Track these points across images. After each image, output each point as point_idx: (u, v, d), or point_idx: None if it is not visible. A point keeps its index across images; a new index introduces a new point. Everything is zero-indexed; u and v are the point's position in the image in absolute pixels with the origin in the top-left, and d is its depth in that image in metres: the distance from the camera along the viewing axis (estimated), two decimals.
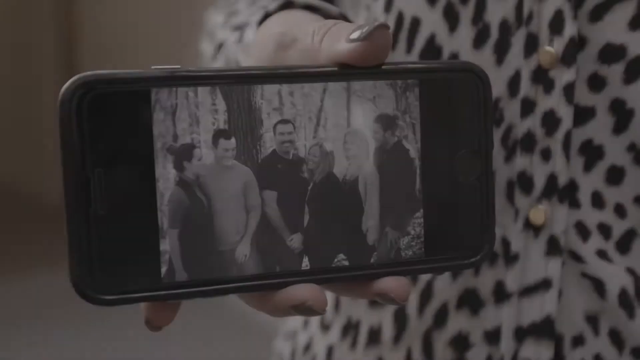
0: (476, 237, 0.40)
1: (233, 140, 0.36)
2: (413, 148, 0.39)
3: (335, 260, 0.38)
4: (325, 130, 0.38)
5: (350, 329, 0.57)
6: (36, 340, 2.71)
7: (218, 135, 0.36)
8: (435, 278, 0.52)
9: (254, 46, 0.43)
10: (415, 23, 0.50)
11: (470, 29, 0.49)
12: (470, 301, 0.51)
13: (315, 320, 0.60)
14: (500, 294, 0.50)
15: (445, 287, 0.52)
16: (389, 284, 0.38)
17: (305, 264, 0.38)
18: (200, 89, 0.36)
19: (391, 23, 0.51)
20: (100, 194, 0.35)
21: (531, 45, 0.48)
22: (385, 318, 0.54)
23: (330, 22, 0.39)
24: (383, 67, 0.38)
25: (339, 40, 0.38)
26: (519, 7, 0.48)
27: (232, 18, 0.59)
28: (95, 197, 0.35)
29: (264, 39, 0.42)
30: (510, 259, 0.50)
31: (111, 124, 0.35)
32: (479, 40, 0.49)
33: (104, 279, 0.35)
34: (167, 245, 0.36)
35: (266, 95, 0.37)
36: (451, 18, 0.49)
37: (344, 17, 0.47)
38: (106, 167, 0.35)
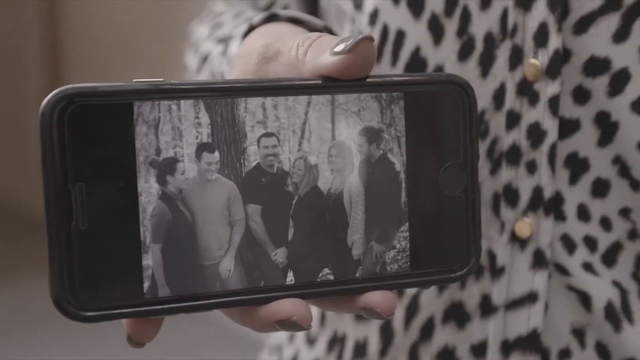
0: (462, 250, 0.39)
1: (216, 153, 0.36)
2: (398, 161, 0.38)
3: (321, 274, 0.38)
4: (310, 144, 0.37)
5: (336, 342, 0.56)
6: (18, 353, 2.69)
7: (201, 148, 0.36)
8: (421, 292, 0.51)
9: (238, 59, 0.43)
10: (400, 36, 0.50)
11: (455, 41, 0.49)
12: (456, 315, 0.51)
13: (300, 334, 0.60)
14: (487, 307, 0.50)
15: (432, 301, 0.51)
16: (375, 298, 0.38)
17: (290, 278, 0.37)
18: (183, 102, 0.36)
19: (376, 36, 0.51)
20: (81, 209, 0.34)
21: (516, 57, 0.48)
22: (371, 332, 0.54)
23: (315, 34, 0.39)
24: (368, 79, 0.38)
25: (322, 53, 0.37)
26: (503, 19, 0.48)
27: (217, 30, 0.59)
28: (77, 212, 0.34)
29: (248, 51, 0.42)
30: (496, 272, 0.49)
31: (93, 137, 0.35)
32: (464, 53, 0.48)
33: (85, 295, 0.35)
34: (150, 260, 0.35)
35: (250, 108, 0.36)
36: (436, 30, 0.49)
37: (329, 30, 0.47)
38: (88, 181, 0.34)
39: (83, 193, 0.34)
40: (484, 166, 0.49)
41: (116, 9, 3.75)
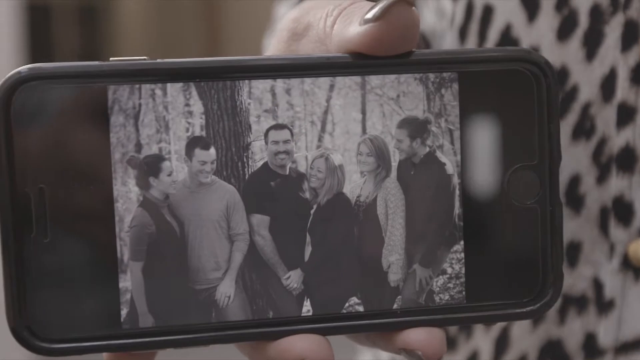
0: (536, 278, 0.31)
1: (212, 150, 0.30)
2: (451, 162, 0.30)
3: (347, 305, 0.30)
4: (333, 139, 0.30)
5: None
6: None
7: (193, 144, 0.30)
8: (512, 324, 0.43)
9: (273, 38, 0.36)
10: (488, 12, 0.42)
11: (553, 16, 0.41)
12: (553, 356, 0.42)
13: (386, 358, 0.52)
14: (591, 349, 0.41)
15: (524, 336, 0.43)
16: (418, 337, 0.30)
17: (307, 309, 0.30)
18: (170, 86, 0.29)
19: (460, 13, 0.43)
20: (42, 217, 0.29)
21: (630, 35, 0.40)
22: None
23: (349, 1, 0.31)
24: (410, 56, 0.30)
25: (352, 23, 0.30)
26: None
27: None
28: (37, 221, 0.28)
29: (281, 27, 0.35)
30: (604, 306, 0.41)
31: (58, 129, 0.29)
32: (565, 31, 0.40)
33: (49, 323, 0.29)
34: (128, 282, 0.29)
35: (255, 94, 0.30)
36: (530, 4, 0.41)
37: None
38: (51, 183, 0.29)
39: (45, 198, 0.28)
40: (588, 173, 0.40)
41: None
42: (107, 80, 0.29)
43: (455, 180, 0.31)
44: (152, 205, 0.29)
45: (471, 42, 0.44)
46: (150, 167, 0.29)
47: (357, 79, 0.30)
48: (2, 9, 1.59)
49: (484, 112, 0.31)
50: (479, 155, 0.31)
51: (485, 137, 0.31)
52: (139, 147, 0.29)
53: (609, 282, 0.41)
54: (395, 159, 0.30)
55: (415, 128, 0.30)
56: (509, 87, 0.31)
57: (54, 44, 2.97)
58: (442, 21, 0.44)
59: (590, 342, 0.41)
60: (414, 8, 0.29)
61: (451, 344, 0.45)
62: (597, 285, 0.41)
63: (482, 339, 0.44)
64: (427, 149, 0.31)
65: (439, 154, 0.31)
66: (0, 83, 0.29)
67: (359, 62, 0.30)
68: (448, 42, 0.43)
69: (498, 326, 0.44)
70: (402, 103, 0.30)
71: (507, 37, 0.42)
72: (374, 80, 0.30)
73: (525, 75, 0.31)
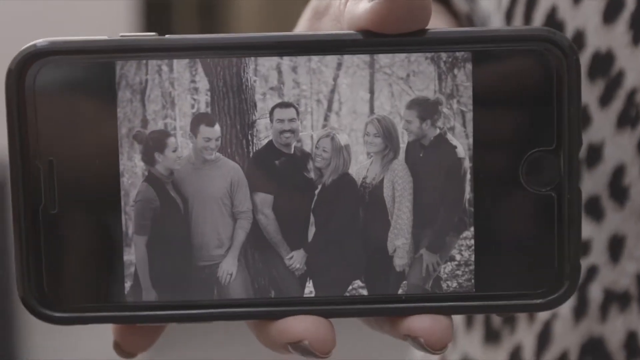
0: (550, 269, 0.29)
1: (217, 127, 0.29)
2: (462, 144, 0.29)
3: (350, 287, 0.30)
4: (340, 118, 0.29)
5: None
6: None
7: (198, 120, 0.29)
8: (555, 317, 0.41)
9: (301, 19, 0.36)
10: None
11: None
12: (595, 354, 0.40)
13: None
14: (633, 349, 0.39)
15: (567, 331, 0.41)
16: (423, 324, 0.29)
17: (309, 290, 0.30)
18: (176, 62, 0.29)
19: None
20: (51, 189, 0.29)
21: None
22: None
23: None
24: (421, 35, 0.29)
25: (362, 0, 0.29)
26: None
27: None
28: (46, 192, 0.29)
29: (308, 6, 0.35)
30: None
31: (66, 103, 0.29)
32: (611, 13, 0.38)
33: (55, 292, 0.29)
34: (133, 255, 0.29)
35: (261, 71, 0.29)
36: None
37: None
38: (59, 155, 0.29)
39: (53, 170, 0.29)
40: (633, 164, 0.38)
41: None
42: (115, 56, 0.29)
43: (467, 164, 0.29)
44: (157, 181, 0.29)
45: (518, 25, 0.42)
46: (155, 143, 0.29)
47: (366, 57, 0.29)
48: (120, 5, 1.63)
49: (499, 93, 0.29)
50: (493, 139, 0.29)
51: (499, 120, 0.29)
52: (145, 122, 0.29)
53: None
54: (403, 140, 0.29)
55: (426, 109, 0.29)
56: (526, 68, 0.29)
57: None
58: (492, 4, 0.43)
59: (632, 342, 0.39)
60: None
61: (495, 337, 0.44)
62: None
63: (525, 333, 0.42)
64: (438, 131, 0.29)
65: (449, 136, 0.29)
66: (15, 56, 0.29)
67: (367, 40, 0.29)
68: (495, 25, 0.42)
69: (540, 321, 0.42)
70: (412, 83, 0.29)
71: (553, 20, 0.40)
72: (383, 59, 0.29)
73: (544, 56, 0.29)
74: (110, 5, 1.60)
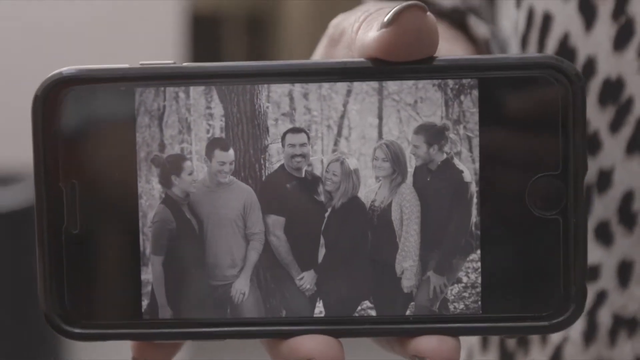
0: (556, 293, 0.30)
1: (231, 151, 0.30)
2: (468, 169, 0.30)
3: (359, 308, 0.30)
4: (349, 143, 0.30)
5: None
6: None
7: (213, 145, 0.30)
8: (566, 341, 0.41)
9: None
10: (547, 20, 0.40)
11: (611, 25, 0.38)
12: None
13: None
14: None
15: (577, 355, 0.41)
16: (429, 345, 0.29)
17: (319, 310, 0.30)
18: (192, 89, 0.30)
19: (522, 21, 0.41)
20: (73, 210, 0.30)
21: None
22: None
23: (378, 6, 0.31)
24: (428, 62, 0.30)
25: (371, 29, 0.30)
26: None
27: None
28: (69, 213, 0.30)
29: (326, 32, 0.35)
30: None
31: (89, 128, 0.30)
32: (621, 40, 0.38)
33: (76, 310, 0.30)
34: (150, 274, 0.30)
35: (273, 97, 0.30)
36: (587, 12, 0.39)
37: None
38: (81, 178, 0.30)
39: (76, 192, 0.30)
40: None
41: None
42: (135, 83, 0.30)
43: (473, 188, 0.30)
44: (174, 203, 0.30)
45: (532, 51, 0.42)
46: (172, 166, 0.30)
47: (375, 84, 0.30)
48: (168, 19, 1.65)
49: (505, 119, 0.30)
50: (499, 163, 0.30)
51: (505, 145, 0.30)
52: (162, 147, 0.30)
53: None
54: (411, 164, 0.30)
55: (433, 134, 0.30)
56: (532, 95, 0.30)
57: (222, 55, 3.05)
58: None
59: None
60: (428, 13, 0.29)
61: (510, 359, 0.44)
62: None
63: (538, 355, 0.42)
64: (445, 156, 0.30)
65: (456, 161, 0.30)
66: (42, 82, 0.31)
67: (376, 67, 0.30)
68: (513, 49, 0.42)
69: (552, 344, 0.42)
70: (420, 109, 0.30)
71: (565, 47, 0.40)
72: (392, 86, 0.30)
73: (550, 83, 0.30)
74: (159, 22, 1.62)
